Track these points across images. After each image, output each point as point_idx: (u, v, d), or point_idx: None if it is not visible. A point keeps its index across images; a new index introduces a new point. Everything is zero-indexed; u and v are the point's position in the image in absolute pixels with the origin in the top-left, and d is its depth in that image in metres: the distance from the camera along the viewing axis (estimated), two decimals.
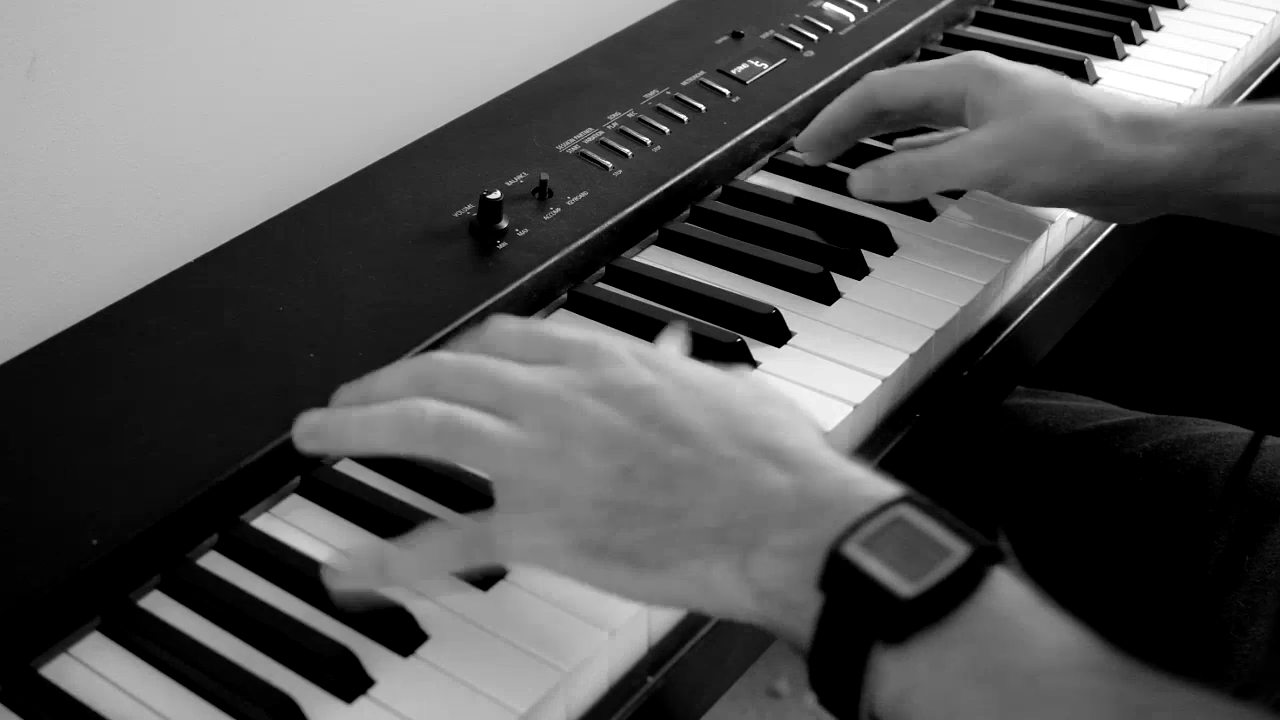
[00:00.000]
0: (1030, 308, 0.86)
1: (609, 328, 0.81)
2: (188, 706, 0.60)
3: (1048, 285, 0.88)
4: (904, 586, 0.51)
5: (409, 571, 0.61)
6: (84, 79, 0.79)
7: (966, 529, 0.53)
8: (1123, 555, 0.95)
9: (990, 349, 0.83)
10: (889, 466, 0.76)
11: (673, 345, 0.66)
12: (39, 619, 0.61)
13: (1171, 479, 0.93)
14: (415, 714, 0.59)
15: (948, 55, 1.06)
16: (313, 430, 0.63)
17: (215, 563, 0.66)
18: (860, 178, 0.84)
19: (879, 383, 0.76)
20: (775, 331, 0.79)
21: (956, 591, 0.52)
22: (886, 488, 0.56)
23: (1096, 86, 0.87)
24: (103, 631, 0.63)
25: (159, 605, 0.64)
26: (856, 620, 0.52)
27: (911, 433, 0.78)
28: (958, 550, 0.52)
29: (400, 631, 0.62)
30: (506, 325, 0.64)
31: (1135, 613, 0.93)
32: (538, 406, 0.59)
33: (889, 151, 0.88)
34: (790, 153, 0.96)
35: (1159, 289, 1.41)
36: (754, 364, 0.78)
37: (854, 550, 0.52)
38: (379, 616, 0.62)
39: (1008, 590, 0.52)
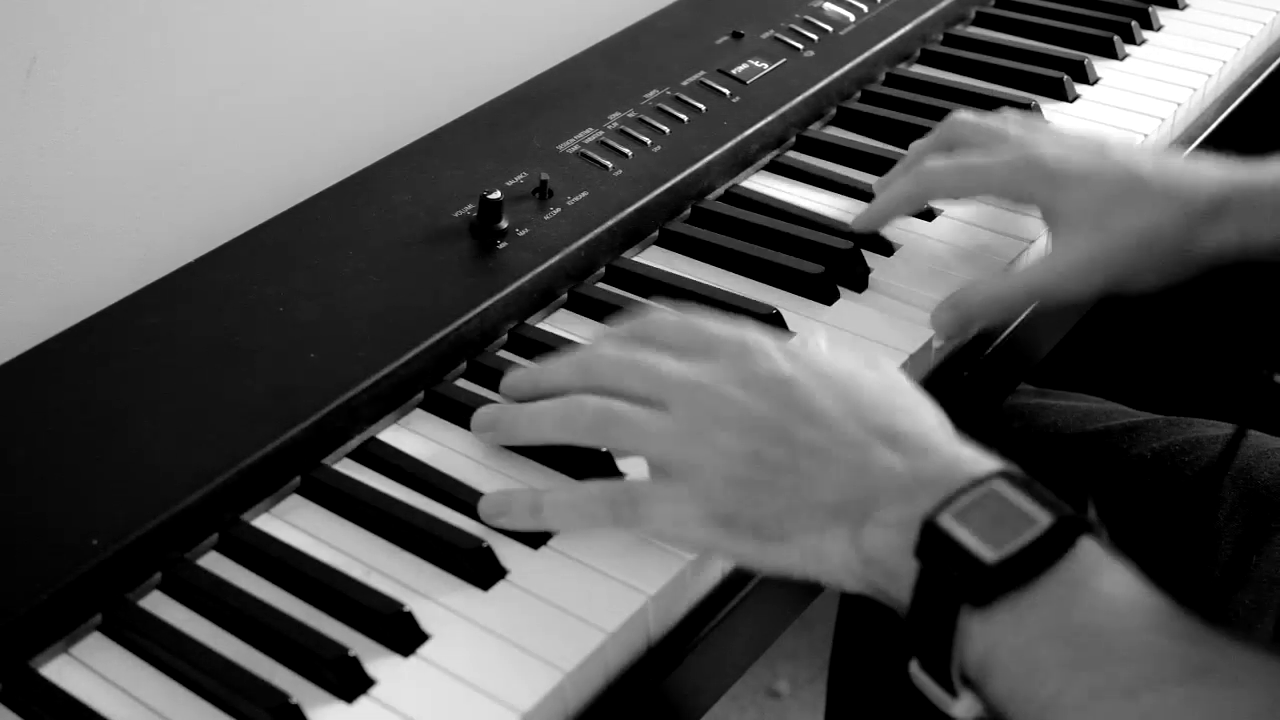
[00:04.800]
0: (1030, 307, 0.86)
1: (609, 328, 0.80)
2: (188, 706, 0.60)
3: None
4: (989, 553, 0.55)
5: (562, 518, 0.66)
6: (84, 79, 0.79)
7: (1055, 501, 0.58)
8: (1129, 554, 0.94)
9: (991, 349, 0.83)
10: None
11: (820, 339, 0.70)
12: (39, 619, 0.61)
13: (1179, 480, 0.93)
14: (416, 714, 0.59)
15: (948, 55, 1.07)
16: (488, 424, 0.71)
17: (215, 563, 0.66)
18: (942, 318, 0.80)
19: None
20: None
21: (1039, 558, 0.56)
22: (987, 464, 0.60)
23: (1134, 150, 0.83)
24: (103, 631, 0.63)
25: (159, 605, 0.64)
26: (946, 585, 0.56)
27: None
28: (1041, 519, 0.57)
29: (401, 631, 0.62)
30: (665, 316, 0.70)
31: None
32: (688, 395, 0.65)
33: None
34: (789, 154, 0.96)
35: (1168, 288, 1.40)
36: None
37: (947, 520, 0.57)
38: (379, 616, 0.62)
39: (1090, 557, 0.57)
